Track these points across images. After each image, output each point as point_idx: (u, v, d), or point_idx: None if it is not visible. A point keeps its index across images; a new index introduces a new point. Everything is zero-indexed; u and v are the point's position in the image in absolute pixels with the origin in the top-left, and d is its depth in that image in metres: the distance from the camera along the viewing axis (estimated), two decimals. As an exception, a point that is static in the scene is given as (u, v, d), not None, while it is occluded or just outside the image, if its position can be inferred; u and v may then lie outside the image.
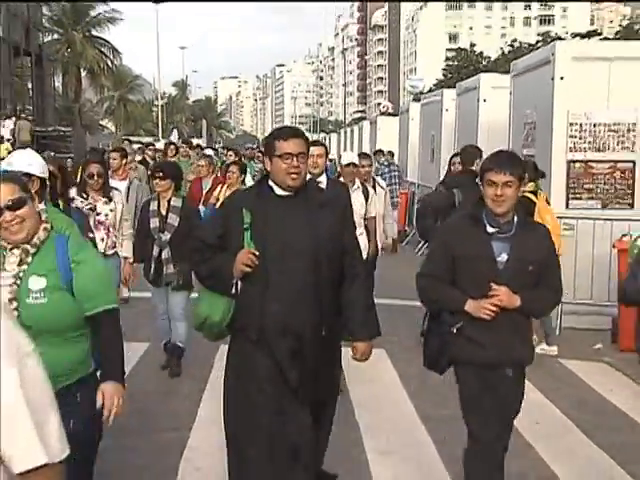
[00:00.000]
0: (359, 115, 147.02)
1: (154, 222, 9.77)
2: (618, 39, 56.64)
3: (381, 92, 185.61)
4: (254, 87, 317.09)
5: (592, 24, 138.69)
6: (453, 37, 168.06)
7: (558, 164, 11.85)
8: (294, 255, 5.47)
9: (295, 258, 5.45)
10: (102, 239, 9.81)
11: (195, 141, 37.25)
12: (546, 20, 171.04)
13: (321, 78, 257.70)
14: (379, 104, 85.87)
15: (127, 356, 10.06)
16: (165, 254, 9.71)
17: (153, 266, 9.81)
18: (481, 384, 5.65)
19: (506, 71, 16.42)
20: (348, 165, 10.65)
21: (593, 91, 12.05)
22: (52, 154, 24.77)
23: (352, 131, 44.39)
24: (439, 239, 6.01)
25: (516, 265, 5.55)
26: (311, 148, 9.71)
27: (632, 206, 11.97)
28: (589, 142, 12.08)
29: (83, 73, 68.02)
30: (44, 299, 4.63)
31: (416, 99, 31.62)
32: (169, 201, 9.79)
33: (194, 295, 9.08)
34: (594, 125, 12.08)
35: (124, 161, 13.84)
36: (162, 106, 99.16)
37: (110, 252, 9.99)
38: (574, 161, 12.10)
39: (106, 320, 4.89)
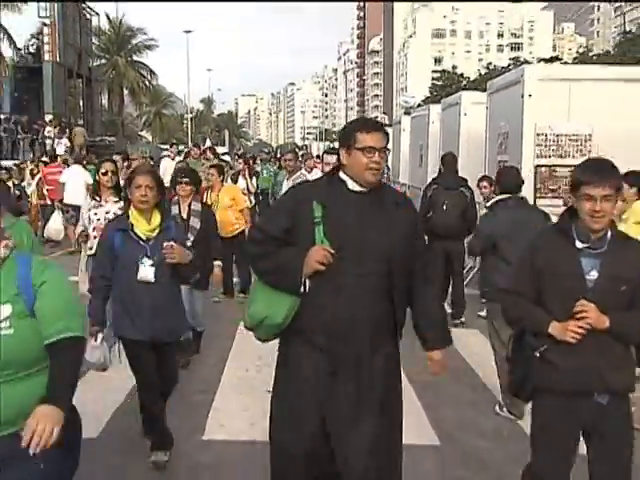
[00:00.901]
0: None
1: None
2: (576, 63, 56.67)
3: (377, 106, 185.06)
4: (269, 103, 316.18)
5: (554, 51, 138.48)
6: (438, 60, 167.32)
7: (527, 169, 11.86)
8: (370, 256, 4.48)
9: (371, 259, 4.48)
10: None
11: (219, 149, 37.33)
12: (516, 47, 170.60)
13: (326, 95, 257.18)
14: (375, 117, 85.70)
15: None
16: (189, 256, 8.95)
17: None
18: (558, 415, 4.52)
19: (483, 89, 16.40)
20: None
21: (556, 107, 12.12)
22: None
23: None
24: (524, 253, 4.76)
25: (607, 284, 4.40)
26: (326, 156, 9.68)
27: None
28: (553, 150, 12.15)
29: (125, 92, 67.98)
30: (10, 329, 3.51)
31: (407, 113, 31.44)
32: (189, 205, 9.13)
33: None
34: (557, 135, 12.16)
35: (125, 164, 13.16)
36: (191, 119, 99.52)
37: None
38: (540, 166, 12.14)
39: (68, 348, 3.61)
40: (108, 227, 6.42)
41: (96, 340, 6.10)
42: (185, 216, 9.03)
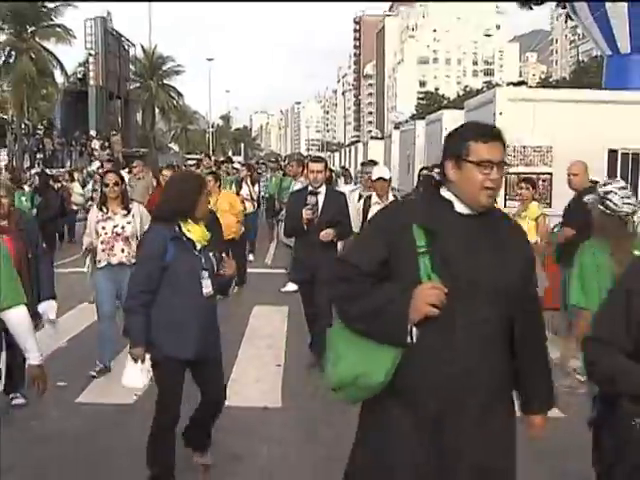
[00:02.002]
0: (355, 139, 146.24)
1: None
2: (539, 87, 56.82)
3: (371, 122, 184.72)
4: (278, 119, 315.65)
5: (520, 76, 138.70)
6: (422, 83, 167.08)
7: (498, 175, 11.84)
8: (485, 295, 3.05)
9: (486, 299, 3.05)
10: (122, 250, 7.54)
11: (235, 158, 37.27)
12: (488, 73, 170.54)
13: (327, 112, 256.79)
14: (369, 131, 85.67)
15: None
16: None
17: None
18: None
19: (461, 108, 16.37)
20: (377, 180, 8.92)
21: (522, 123, 12.08)
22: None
23: (350, 150, 44.21)
24: (620, 289, 3.14)
25: None
26: (311, 164, 8.43)
27: (550, 205, 11.99)
28: (520, 159, 12.17)
29: (157, 110, 68.06)
30: None
31: (397, 127, 31.45)
32: None
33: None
34: (523, 147, 12.17)
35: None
36: (212, 133, 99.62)
37: (130, 263, 7.44)
38: (509, 173, 12.10)
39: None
40: (155, 234, 4.95)
41: (143, 362, 4.79)
42: None
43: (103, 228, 7.54)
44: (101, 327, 7.57)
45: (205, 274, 4.85)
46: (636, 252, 4.72)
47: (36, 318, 5.98)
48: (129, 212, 7.60)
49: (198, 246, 4.89)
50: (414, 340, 2.97)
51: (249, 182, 16.20)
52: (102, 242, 7.54)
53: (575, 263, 5.11)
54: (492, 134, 3.25)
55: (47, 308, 6.48)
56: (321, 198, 8.07)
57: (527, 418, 3.29)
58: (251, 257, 15.85)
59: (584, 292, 4.85)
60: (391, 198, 8.84)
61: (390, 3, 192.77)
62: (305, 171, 15.44)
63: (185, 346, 4.80)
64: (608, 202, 4.96)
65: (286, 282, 12.41)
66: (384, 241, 3.12)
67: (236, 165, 20.34)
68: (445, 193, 3.16)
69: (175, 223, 4.82)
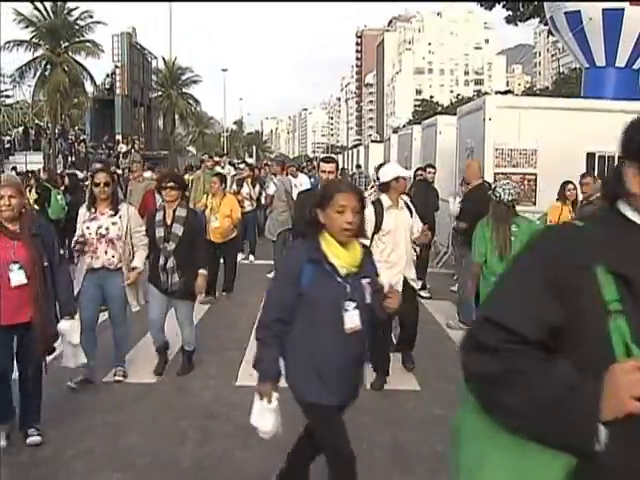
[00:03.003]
0: (357, 142, 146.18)
1: (159, 232, 6.84)
2: (524, 96, 56.75)
3: (371, 127, 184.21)
4: (287, 124, 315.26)
5: (507, 86, 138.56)
6: (418, 92, 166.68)
7: (488, 175, 11.80)
8: None
9: None
10: (105, 252, 6.53)
11: (248, 160, 37.23)
12: (478, 82, 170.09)
13: (332, 118, 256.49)
14: (370, 135, 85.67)
15: (200, 306, 10.12)
16: (170, 263, 6.78)
17: (161, 275, 6.86)
18: None
19: (454, 114, 16.31)
20: (396, 179, 6.77)
21: (509, 128, 12.09)
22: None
23: (352, 153, 44.20)
24: (536, 276, 1.84)
25: None
26: (323, 165, 7.48)
27: (535, 204, 11.97)
28: (507, 161, 12.14)
29: (176, 116, 67.93)
30: None
31: (395, 132, 31.42)
32: (174, 211, 6.91)
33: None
34: (510, 150, 12.15)
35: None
36: (226, 137, 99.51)
37: (115, 266, 6.58)
38: (498, 173, 12.09)
39: None
40: (294, 255, 3.88)
41: (269, 402, 3.73)
42: (169, 222, 6.89)
43: (88, 228, 6.58)
44: (82, 338, 5.77)
45: (350, 305, 3.65)
46: (514, 227, 7.22)
47: (55, 338, 5.31)
48: (116, 213, 6.62)
49: (342, 271, 3.67)
50: (602, 447, 1.67)
51: (249, 182, 15.45)
52: (86, 243, 6.55)
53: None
54: None
55: (68, 329, 5.38)
56: None
57: None
58: (251, 257, 15.18)
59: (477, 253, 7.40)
60: (402, 203, 6.96)
61: (389, 19, 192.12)
62: (285, 172, 15.12)
63: (322, 391, 3.74)
64: (496, 192, 7.30)
65: (272, 270, 12.22)
66: (555, 293, 1.79)
67: (241, 165, 19.98)
68: (631, 213, 1.87)
69: (314, 240, 3.72)
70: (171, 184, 6.95)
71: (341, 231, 3.65)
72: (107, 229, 6.56)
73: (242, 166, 18.70)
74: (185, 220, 6.92)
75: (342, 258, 3.68)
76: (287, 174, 14.80)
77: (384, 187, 6.81)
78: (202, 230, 7.42)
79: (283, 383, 3.83)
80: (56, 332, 5.31)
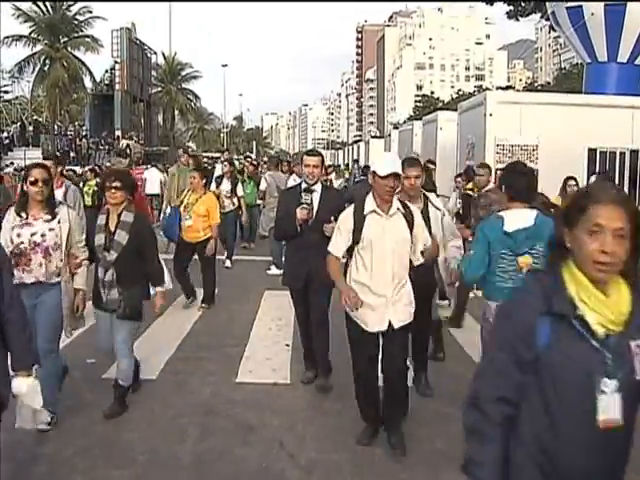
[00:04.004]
0: (357, 138, 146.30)
1: (99, 239, 5.70)
2: (525, 91, 56.76)
3: (372, 122, 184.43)
4: (287, 120, 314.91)
5: (508, 81, 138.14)
6: (419, 87, 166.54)
7: (488, 171, 11.83)
8: None
9: None
10: (40, 264, 5.35)
11: (253, 155, 37.25)
12: (479, 78, 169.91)
13: (332, 113, 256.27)
14: (370, 130, 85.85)
15: (201, 299, 10.08)
16: (109, 276, 5.66)
17: (101, 289, 5.75)
18: None
19: (455, 110, 16.32)
20: (386, 177, 4.82)
21: (510, 124, 12.12)
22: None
23: (353, 149, 44.28)
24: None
25: None
26: (306, 158, 6.63)
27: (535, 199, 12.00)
28: (508, 157, 12.12)
29: (176, 112, 67.98)
30: None
31: (395, 127, 31.45)
32: (119, 215, 5.70)
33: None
34: (511, 146, 12.17)
35: (59, 169, 8.71)
36: (226, 133, 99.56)
37: (52, 280, 5.42)
38: (499, 169, 12.08)
39: None
40: (522, 301, 2.42)
41: None
42: (112, 228, 5.72)
43: (19, 236, 5.36)
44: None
45: (609, 384, 2.27)
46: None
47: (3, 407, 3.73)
48: (54, 217, 5.49)
49: (600, 332, 2.28)
50: None
51: (229, 179, 13.64)
52: (16, 254, 5.30)
53: None
54: None
55: (24, 391, 3.87)
56: (316, 196, 6.49)
57: None
58: (228, 263, 13.27)
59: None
60: (394, 208, 5.06)
61: (390, 14, 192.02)
62: (279, 168, 14.58)
63: None
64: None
65: (270, 266, 12.40)
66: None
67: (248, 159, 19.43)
68: None
69: (556, 278, 2.38)
70: (116, 184, 5.72)
71: (592, 264, 2.27)
72: (43, 236, 5.41)
73: (247, 160, 18.28)
74: (131, 227, 5.71)
75: (600, 309, 2.28)
76: (291, 173, 14.25)
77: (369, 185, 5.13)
78: (153, 239, 6.00)
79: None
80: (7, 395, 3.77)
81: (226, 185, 13.48)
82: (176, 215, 10.00)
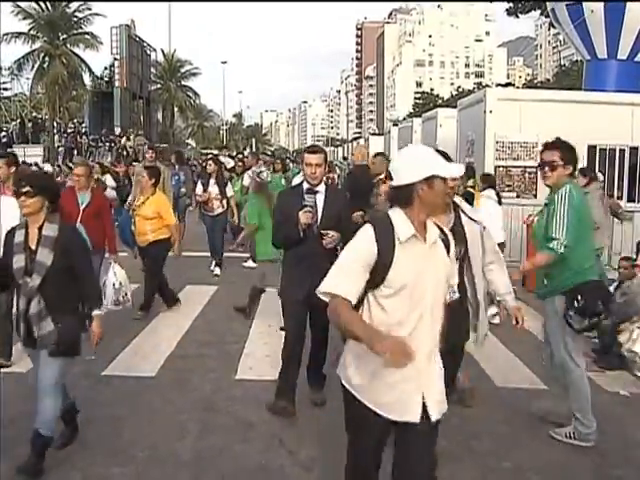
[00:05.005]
0: (357, 135, 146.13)
1: (19, 261, 4.52)
2: (525, 88, 56.80)
3: (372, 119, 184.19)
4: (287, 117, 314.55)
5: (508, 78, 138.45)
6: (419, 84, 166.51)
7: (489, 168, 11.81)
8: None
9: None
10: None
11: (247, 152, 37.25)
12: (479, 75, 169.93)
13: (331, 110, 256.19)
14: (369, 127, 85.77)
15: (203, 295, 10.13)
16: (34, 307, 4.50)
17: (21, 324, 4.61)
18: None
19: (454, 107, 16.31)
20: (431, 181, 3.18)
21: (510, 121, 12.14)
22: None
23: (352, 146, 44.27)
24: None
25: None
26: (308, 156, 5.81)
27: (535, 196, 12.01)
28: (508, 154, 12.18)
29: (175, 109, 67.91)
30: None
31: (395, 125, 31.45)
32: (40, 228, 4.53)
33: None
34: (511, 143, 12.19)
35: (12, 169, 6.98)
36: (226, 130, 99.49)
37: None
38: (499, 166, 12.11)
39: None
40: None
41: None
42: (34, 246, 4.55)
43: None
44: None
45: None
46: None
47: None
48: None
49: None
50: None
51: (216, 179, 12.39)
52: None
53: None
54: None
55: None
56: (320, 198, 5.78)
57: None
58: (217, 271, 12.34)
59: None
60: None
61: (390, 11, 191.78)
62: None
63: None
64: None
65: (247, 258, 12.05)
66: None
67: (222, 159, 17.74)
68: None
69: None
70: (27, 189, 4.58)
71: None
72: None
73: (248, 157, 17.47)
74: (56, 242, 4.57)
75: None
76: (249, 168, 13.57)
77: (401, 196, 3.25)
78: (85, 253, 4.78)
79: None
80: None
81: (214, 188, 12.29)
82: (129, 218, 9.64)
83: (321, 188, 5.80)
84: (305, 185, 5.85)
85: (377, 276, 3.18)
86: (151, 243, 9.08)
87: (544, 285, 5.45)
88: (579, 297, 5.13)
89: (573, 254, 5.15)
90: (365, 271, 3.18)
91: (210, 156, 15.32)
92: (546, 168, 5.33)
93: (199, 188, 12.41)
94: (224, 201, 12.35)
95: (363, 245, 3.21)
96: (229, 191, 12.57)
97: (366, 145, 10.67)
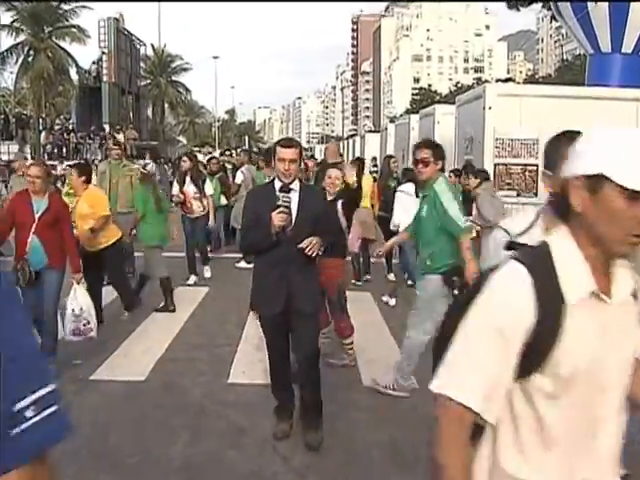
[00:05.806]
0: (353, 132, 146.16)
1: None
2: (525, 83, 56.95)
3: (368, 116, 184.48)
4: (281, 113, 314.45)
5: (508, 73, 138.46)
6: (416, 80, 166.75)
7: (488, 166, 11.83)
8: None
9: None
10: None
11: (239, 150, 37.22)
12: (478, 70, 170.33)
13: (327, 107, 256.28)
14: (365, 125, 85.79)
15: (193, 297, 10.15)
16: None
17: None
18: None
19: (453, 103, 16.32)
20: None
21: (510, 117, 12.13)
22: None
23: (348, 143, 44.27)
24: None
25: None
26: (281, 150, 5.20)
27: (536, 195, 12.01)
28: (508, 151, 12.15)
29: (166, 105, 67.91)
30: None
31: (392, 121, 31.52)
32: None
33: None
34: (511, 140, 12.16)
35: None
36: (218, 127, 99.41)
37: None
38: (498, 164, 12.11)
39: None
40: None
41: None
42: None
43: None
44: None
45: None
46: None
47: None
48: None
49: None
50: None
51: (192, 177, 11.58)
52: None
53: None
54: None
55: None
56: (295, 197, 5.23)
57: None
58: (208, 274, 12.04)
59: None
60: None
61: (386, 4, 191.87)
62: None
63: None
64: None
65: (240, 259, 12.35)
66: None
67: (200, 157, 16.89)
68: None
69: None
70: None
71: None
72: None
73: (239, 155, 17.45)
74: None
75: None
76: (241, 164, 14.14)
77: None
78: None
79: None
80: None
81: (191, 187, 11.56)
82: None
83: (295, 186, 5.24)
84: (277, 183, 5.27)
85: (538, 358, 1.83)
86: (104, 249, 8.58)
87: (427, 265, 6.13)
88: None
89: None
90: (514, 356, 1.83)
91: (185, 152, 14.76)
92: (420, 165, 6.18)
93: (175, 188, 11.74)
94: (204, 201, 11.66)
95: (512, 308, 1.81)
96: (208, 189, 11.84)
97: (337, 143, 11.03)
